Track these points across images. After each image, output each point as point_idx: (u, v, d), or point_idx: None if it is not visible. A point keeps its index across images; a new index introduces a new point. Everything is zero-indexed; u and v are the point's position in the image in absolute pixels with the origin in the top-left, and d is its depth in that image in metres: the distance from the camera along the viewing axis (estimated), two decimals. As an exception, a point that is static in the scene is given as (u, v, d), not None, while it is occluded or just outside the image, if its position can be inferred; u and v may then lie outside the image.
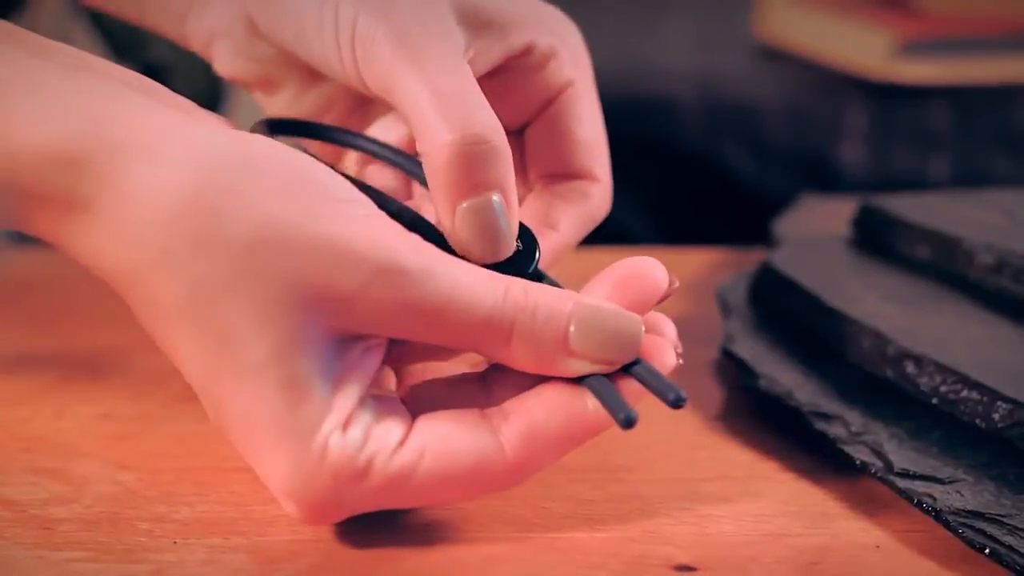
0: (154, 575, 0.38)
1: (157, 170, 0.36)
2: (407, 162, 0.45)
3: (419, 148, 0.40)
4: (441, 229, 0.40)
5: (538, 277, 0.41)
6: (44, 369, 0.51)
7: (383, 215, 0.38)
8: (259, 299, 0.36)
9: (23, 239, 0.41)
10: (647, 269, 0.39)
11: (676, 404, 0.37)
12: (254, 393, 0.36)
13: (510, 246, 0.40)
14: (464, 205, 0.39)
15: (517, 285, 0.38)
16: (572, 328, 0.38)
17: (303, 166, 0.38)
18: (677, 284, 0.40)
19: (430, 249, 0.38)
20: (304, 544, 0.39)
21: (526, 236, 0.42)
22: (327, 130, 0.47)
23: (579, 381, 0.38)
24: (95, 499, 0.42)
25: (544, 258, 0.42)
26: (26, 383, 0.50)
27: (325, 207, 0.37)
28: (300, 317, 0.36)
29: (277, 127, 0.45)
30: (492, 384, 0.40)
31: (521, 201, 0.46)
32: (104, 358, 0.51)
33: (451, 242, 0.40)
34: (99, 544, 0.39)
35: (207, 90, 0.76)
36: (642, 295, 0.39)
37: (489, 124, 0.40)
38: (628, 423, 0.36)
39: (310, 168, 0.38)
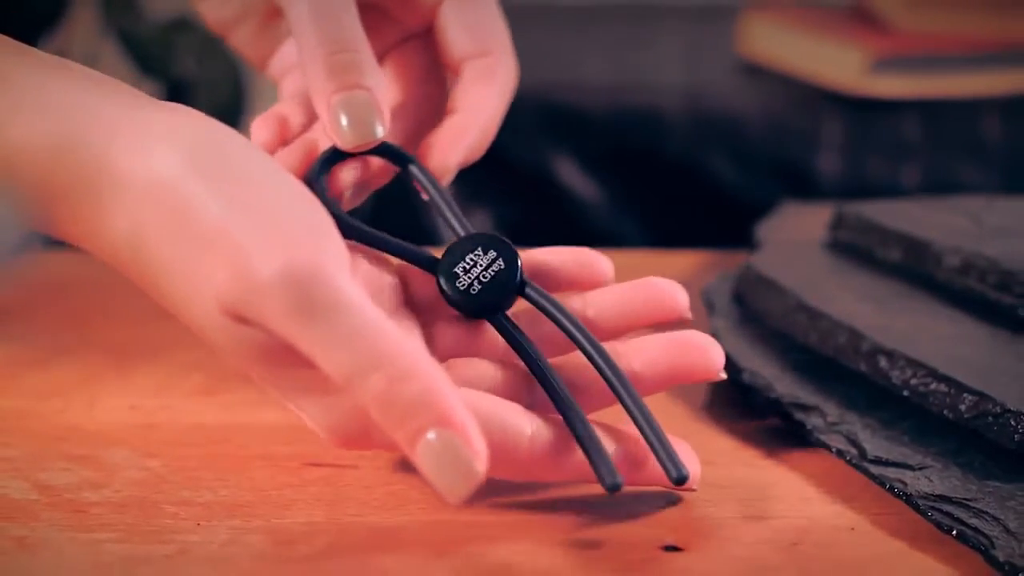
0: (179, 555, 0.38)
1: (143, 158, 0.38)
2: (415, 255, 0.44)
3: (299, 56, 0.45)
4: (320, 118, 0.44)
5: (522, 286, 0.41)
6: (77, 363, 0.51)
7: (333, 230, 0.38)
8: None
9: (57, 243, 0.41)
10: (704, 344, 0.41)
11: (613, 488, 0.37)
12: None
13: (377, 133, 0.44)
14: (335, 98, 0.44)
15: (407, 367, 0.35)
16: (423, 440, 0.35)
17: (274, 168, 0.39)
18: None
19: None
20: (319, 525, 0.39)
21: (506, 251, 0.42)
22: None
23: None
24: (124, 484, 0.42)
25: (470, 136, 0.45)
26: (61, 376, 0.50)
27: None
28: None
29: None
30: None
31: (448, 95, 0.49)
32: (133, 353, 0.51)
33: (328, 130, 0.44)
34: (128, 526, 0.39)
35: (229, 103, 0.76)
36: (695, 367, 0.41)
37: (355, 38, 0.45)
38: (614, 488, 0.37)
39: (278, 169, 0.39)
